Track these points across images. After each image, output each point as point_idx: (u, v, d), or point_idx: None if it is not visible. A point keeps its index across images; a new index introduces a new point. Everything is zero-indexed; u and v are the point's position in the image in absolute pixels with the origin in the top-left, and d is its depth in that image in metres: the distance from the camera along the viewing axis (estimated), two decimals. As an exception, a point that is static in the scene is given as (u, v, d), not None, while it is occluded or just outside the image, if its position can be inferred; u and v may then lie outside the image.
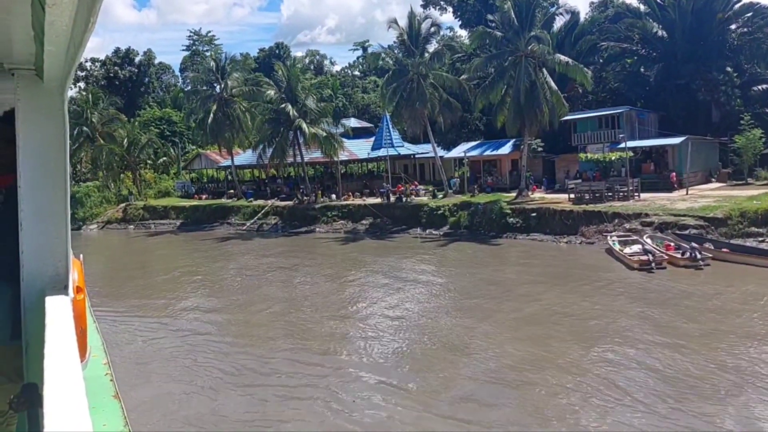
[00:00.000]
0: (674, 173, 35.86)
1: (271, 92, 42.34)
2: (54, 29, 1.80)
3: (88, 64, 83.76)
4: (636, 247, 24.64)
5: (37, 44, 2.12)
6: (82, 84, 77.78)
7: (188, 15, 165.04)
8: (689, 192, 33.21)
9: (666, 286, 20.27)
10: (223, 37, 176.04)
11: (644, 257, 22.84)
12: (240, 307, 20.92)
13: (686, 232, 26.18)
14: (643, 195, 33.02)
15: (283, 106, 41.07)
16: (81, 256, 3.50)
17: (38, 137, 2.49)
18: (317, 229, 40.16)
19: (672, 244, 24.57)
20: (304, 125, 40.43)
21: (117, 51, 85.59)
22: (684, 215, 27.43)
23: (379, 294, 21.93)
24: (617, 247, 25.42)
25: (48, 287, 2.51)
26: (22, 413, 2.09)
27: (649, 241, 25.29)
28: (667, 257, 22.95)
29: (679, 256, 22.99)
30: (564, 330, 16.05)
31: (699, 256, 22.14)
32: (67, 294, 2.50)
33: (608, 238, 27.07)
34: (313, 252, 32.80)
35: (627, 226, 28.31)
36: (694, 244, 22.86)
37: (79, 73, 79.20)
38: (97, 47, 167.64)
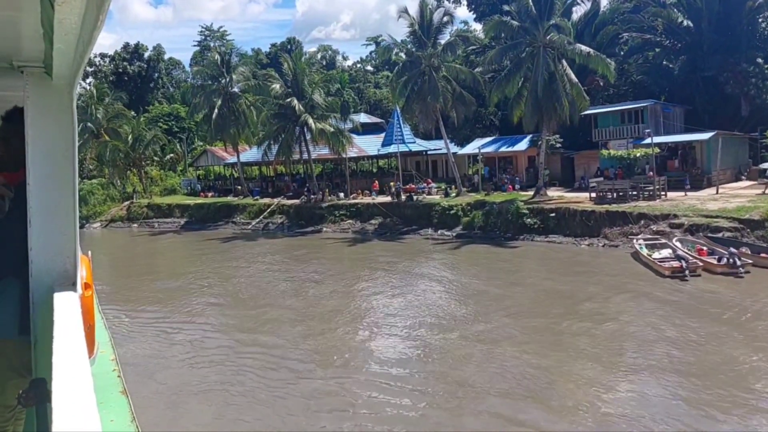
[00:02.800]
0: (652, 172, 33.25)
1: (277, 86, 40.58)
2: (63, 27, 1.78)
3: (97, 59, 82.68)
4: (665, 252, 22.68)
5: (46, 42, 2.10)
6: (91, 79, 76.58)
7: (204, 12, 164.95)
8: (719, 191, 31.08)
9: (727, 298, 17.97)
10: (237, 33, 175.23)
11: (676, 263, 20.86)
12: (261, 324, 18.33)
13: (719, 235, 24.12)
14: (669, 194, 30.97)
15: (288, 100, 39.34)
16: (89, 252, 3.47)
17: (47, 135, 2.48)
18: (324, 229, 38.44)
19: (705, 248, 22.54)
20: (310, 120, 38.70)
21: (126, 46, 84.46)
22: (717, 216, 25.34)
23: (417, 313, 18.58)
24: (645, 251, 23.43)
25: (56, 283, 2.50)
26: (30, 408, 2.21)
27: (679, 244, 23.30)
28: (701, 263, 20.93)
29: (714, 262, 21.00)
30: (664, 365, 13.03)
31: (738, 262, 20.11)
32: (75, 290, 2.49)
33: (634, 241, 25.10)
34: (321, 256, 30.60)
35: (654, 228, 26.28)
36: (732, 249, 20.81)
37: (87, 68, 78.12)
38: (114, 44, 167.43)
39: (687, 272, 20.22)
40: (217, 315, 20.00)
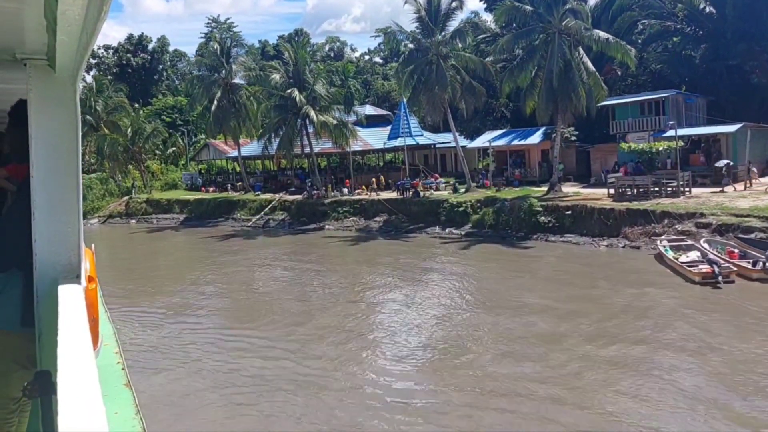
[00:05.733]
0: (624, 169, 31.06)
1: (276, 76, 38.74)
2: (66, 19, 1.78)
3: (101, 51, 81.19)
4: (693, 255, 20.74)
5: (50, 34, 2.12)
6: (94, 71, 75.08)
7: (215, 5, 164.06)
8: (747, 187, 29.01)
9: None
10: (247, 26, 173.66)
11: (707, 268, 18.90)
12: (276, 342, 15.84)
13: (752, 235, 22.10)
14: (693, 190, 28.94)
15: (289, 91, 37.49)
16: (93, 245, 3.50)
17: (50, 127, 2.48)
18: (327, 226, 36.69)
19: (736, 250, 20.57)
20: (312, 113, 36.86)
21: (130, 37, 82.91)
22: (748, 215, 23.31)
23: (466, 335, 15.66)
24: (670, 254, 21.49)
25: (61, 276, 2.49)
26: (35, 400, 2.17)
27: (707, 246, 21.34)
28: (735, 268, 18.97)
29: (749, 266, 19.03)
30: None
31: (777, 267, 18.18)
32: (79, 283, 2.48)
33: (658, 242, 23.16)
34: (326, 258, 28.27)
35: (679, 227, 24.30)
36: (769, 253, 18.87)
37: (90, 60, 76.52)
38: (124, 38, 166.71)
39: (720, 278, 18.30)
40: (230, 334, 17.20)
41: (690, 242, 22.32)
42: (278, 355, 14.87)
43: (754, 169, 30.32)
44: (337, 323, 17.38)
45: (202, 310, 20.25)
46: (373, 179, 40.45)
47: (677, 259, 20.74)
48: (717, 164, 30.67)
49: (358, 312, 18.73)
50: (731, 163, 30.53)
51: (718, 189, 28.93)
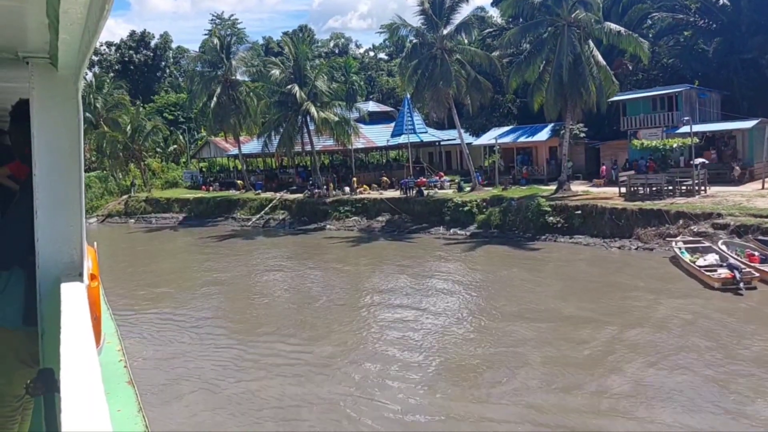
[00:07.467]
0: (605, 168, 29.94)
1: (276, 72, 37.69)
2: (68, 17, 1.78)
3: (103, 48, 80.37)
4: (711, 258, 19.62)
5: (52, 32, 2.10)
6: (96, 69, 74.23)
7: (221, 2, 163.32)
8: (766, 185, 27.78)
9: None
10: (253, 24, 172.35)
11: (726, 273, 17.76)
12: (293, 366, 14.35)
13: (772, 237, 20.94)
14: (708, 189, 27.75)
15: (289, 87, 36.43)
16: (95, 243, 3.49)
17: (52, 126, 2.47)
18: (328, 226, 35.67)
19: (756, 254, 19.44)
20: (313, 109, 35.77)
21: (132, 34, 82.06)
22: (768, 216, 22.15)
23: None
24: (686, 256, 20.35)
25: (63, 274, 2.48)
26: (38, 398, 2.16)
27: (724, 248, 20.24)
28: (757, 274, 17.82)
29: (771, 271, 17.91)
30: None
31: (803, 273, 17.04)
32: (81, 281, 2.46)
33: (673, 244, 22.02)
34: (327, 261, 27.18)
35: (695, 228, 23.14)
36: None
37: (93, 58, 75.52)
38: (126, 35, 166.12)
39: (741, 284, 17.17)
40: (238, 347, 15.76)
41: (707, 244, 21.20)
42: (297, 381, 13.49)
43: (737, 168, 29.29)
44: (352, 338, 16.13)
45: (205, 321, 18.92)
46: (354, 179, 39.26)
47: (694, 262, 19.62)
48: (692, 162, 29.51)
49: (372, 324, 17.49)
50: (707, 162, 29.49)
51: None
